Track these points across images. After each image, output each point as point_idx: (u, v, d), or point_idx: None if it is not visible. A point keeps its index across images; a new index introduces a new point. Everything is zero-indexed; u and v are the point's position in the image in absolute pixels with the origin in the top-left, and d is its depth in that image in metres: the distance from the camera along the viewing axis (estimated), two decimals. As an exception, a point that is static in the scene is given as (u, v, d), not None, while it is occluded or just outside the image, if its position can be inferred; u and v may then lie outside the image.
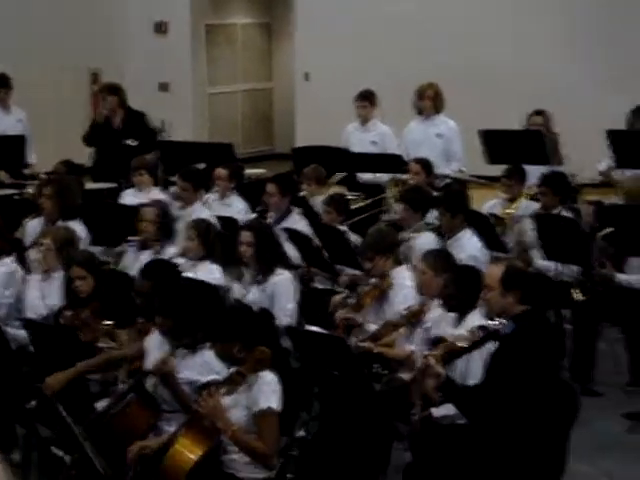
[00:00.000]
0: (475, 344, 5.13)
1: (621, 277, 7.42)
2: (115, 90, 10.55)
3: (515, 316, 5.10)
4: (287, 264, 7.20)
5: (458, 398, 5.10)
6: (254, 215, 8.58)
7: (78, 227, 7.83)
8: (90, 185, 9.90)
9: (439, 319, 5.92)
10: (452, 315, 5.78)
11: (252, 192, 8.99)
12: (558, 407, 4.97)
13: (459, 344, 5.14)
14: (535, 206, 8.26)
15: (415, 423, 5.35)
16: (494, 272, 5.24)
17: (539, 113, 9.52)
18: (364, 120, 10.23)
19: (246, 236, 7.02)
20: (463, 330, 5.46)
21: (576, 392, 5.11)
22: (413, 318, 6.09)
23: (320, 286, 7.91)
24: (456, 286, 5.73)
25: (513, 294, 5.13)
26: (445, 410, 5.41)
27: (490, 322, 5.16)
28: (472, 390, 5.12)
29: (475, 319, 5.58)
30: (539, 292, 5.33)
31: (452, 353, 5.12)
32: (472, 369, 5.33)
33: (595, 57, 13.14)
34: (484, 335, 5.12)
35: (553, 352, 5.12)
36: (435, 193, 8.37)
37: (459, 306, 5.75)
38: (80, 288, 6.53)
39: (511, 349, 5.01)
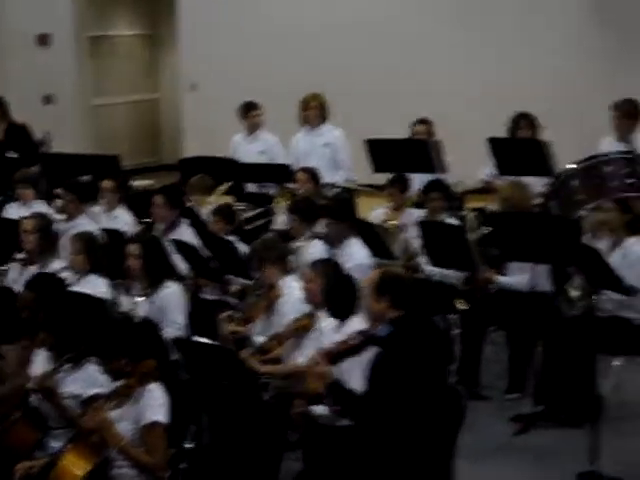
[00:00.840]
0: (355, 348, 5.20)
1: (502, 279, 7.57)
2: None
3: (391, 320, 5.16)
4: (176, 276, 7.16)
5: (344, 400, 5.14)
6: (141, 227, 8.50)
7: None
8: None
9: (328, 328, 5.96)
10: (335, 321, 5.84)
11: (139, 204, 8.91)
12: (443, 411, 5.03)
13: (341, 348, 5.20)
14: (420, 213, 8.36)
15: (295, 420, 5.39)
16: (369, 278, 5.32)
17: (422, 122, 9.65)
18: (251, 130, 10.25)
19: (133, 249, 6.96)
20: (343, 335, 5.50)
21: (462, 396, 5.17)
22: (301, 329, 6.11)
23: (210, 297, 7.89)
24: (332, 293, 5.79)
25: (386, 299, 5.20)
26: (324, 408, 5.48)
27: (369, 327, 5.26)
28: (355, 394, 5.18)
29: (355, 324, 5.65)
30: (424, 297, 5.39)
31: (334, 357, 5.17)
32: (351, 373, 5.38)
33: (476, 65, 13.36)
34: (363, 339, 5.19)
35: (433, 355, 5.17)
36: (323, 202, 8.40)
37: (338, 312, 5.79)
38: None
39: (388, 352, 5.07)
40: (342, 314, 5.83)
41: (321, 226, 7.85)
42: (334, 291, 5.87)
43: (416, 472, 4.94)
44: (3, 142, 10.23)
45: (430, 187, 8.30)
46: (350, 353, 5.20)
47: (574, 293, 7.10)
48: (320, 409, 5.50)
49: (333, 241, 7.62)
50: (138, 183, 10.93)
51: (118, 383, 5.22)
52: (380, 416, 4.94)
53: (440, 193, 8.18)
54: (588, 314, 6.60)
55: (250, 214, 9.31)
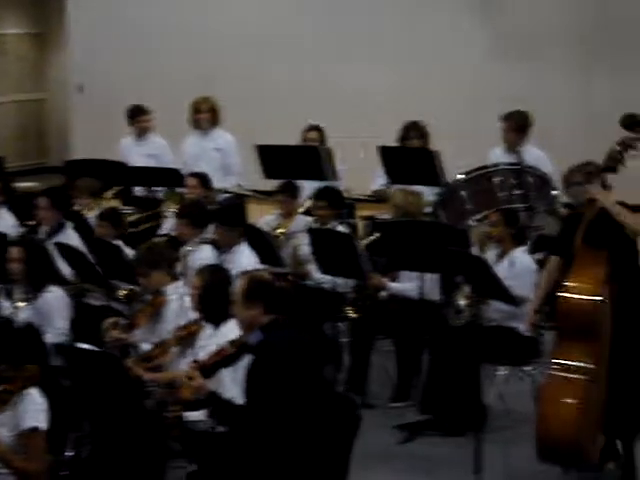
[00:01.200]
0: (229, 358, 5.17)
1: (393, 286, 7.59)
2: None
3: (263, 327, 5.13)
4: (59, 280, 7.01)
5: (223, 411, 5.10)
6: (24, 230, 8.31)
7: None
8: None
9: (206, 334, 5.91)
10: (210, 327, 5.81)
11: (23, 206, 8.71)
12: (337, 421, 5.01)
13: (214, 359, 5.15)
14: (310, 221, 8.34)
15: (169, 426, 5.34)
16: (238, 285, 5.27)
17: (314, 128, 9.64)
18: (141, 133, 10.12)
19: (15, 252, 6.83)
20: (218, 340, 5.55)
21: (356, 405, 5.16)
22: (186, 336, 6.03)
23: (95, 302, 7.76)
24: (207, 298, 5.78)
25: (256, 305, 5.17)
26: (199, 414, 5.45)
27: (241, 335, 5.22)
28: (233, 403, 5.13)
29: (229, 329, 5.66)
30: (312, 305, 5.38)
31: (209, 369, 5.13)
32: (227, 382, 5.33)
33: (369, 73, 13.43)
34: (236, 349, 5.15)
35: (308, 359, 5.14)
36: (213, 207, 8.33)
37: (212, 318, 5.78)
38: None
39: (260, 360, 5.03)
40: (216, 319, 5.80)
41: (211, 231, 7.78)
42: (209, 296, 5.82)
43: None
44: None
45: (319, 195, 8.27)
46: (224, 364, 5.18)
47: (462, 302, 7.16)
48: (196, 415, 5.46)
49: (222, 247, 7.55)
50: (22, 185, 10.71)
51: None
52: (259, 424, 4.90)
53: (328, 201, 8.16)
54: (474, 323, 6.66)
55: (136, 217, 9.17)
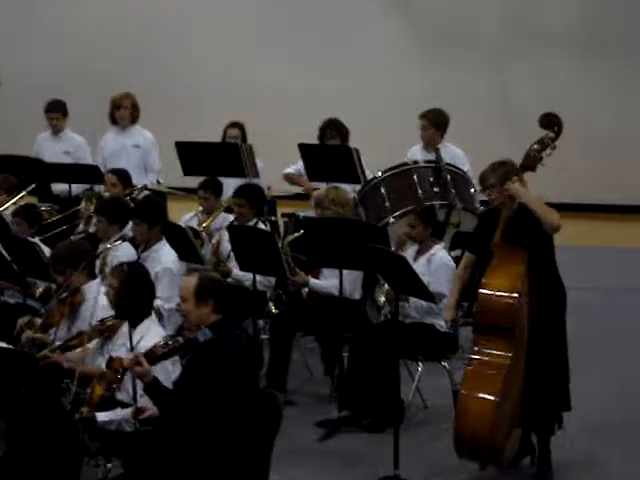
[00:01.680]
0: (174, 350, 5.14)
1: (316, 283, 7.60)
2: None
3: (211, 325, 5.12)
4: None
5: (161, 399, 5.09)
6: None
7: None
8: None
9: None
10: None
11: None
12: (259, 417, 5.02)
13: (159, 350, 5.13)
14: (232, 218, 8.31)
15: (75, 423, 5.33)
16: (188, 283, 5.27)
17: (235, 125, 9.61)
18: (56, 130, 9.99)
19: None
20: (136, 337, 5.56)
21: (279, 402, 5.17)
22: (104, 330, 5.96)
23: (11, 300, 7.66)
24: (124, 297, 5.74)
25: (207, 304, 5.16)
26: (112, 415, 5.45)
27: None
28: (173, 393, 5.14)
29: (145, 327, 5.67)
30: (234, 302, 5.38)
31: (154, 358, 5.11)
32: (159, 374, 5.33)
33: (295, 71, 13.44)
34: (183, 342, 5.13)
35: (248, 360, 5.17)
36: (132, 204, 8.25)
37: (130, 315, 5.74)
38: None
39: (204, 356, 5.03)
40: (133, 317, 5.76)
41: (130, 228, 7.70)
42: (127, 294, 5.78)
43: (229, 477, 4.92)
44: None
45: (238, 192, 8.24)
46: (169, 355, 5.16)
47: (381, 299, 7.20)
48: (104, 415, 5.46)
49: (141, 244, 7.48)
50: None
51: None
52: (188, 418, 4.89)
53: (247, 199, 8.12)
54: (392, 320, 6.69)
55: (55, 216, 9.05)
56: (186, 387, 5.06)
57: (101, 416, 5.45)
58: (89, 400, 5.48)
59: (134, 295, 5.75)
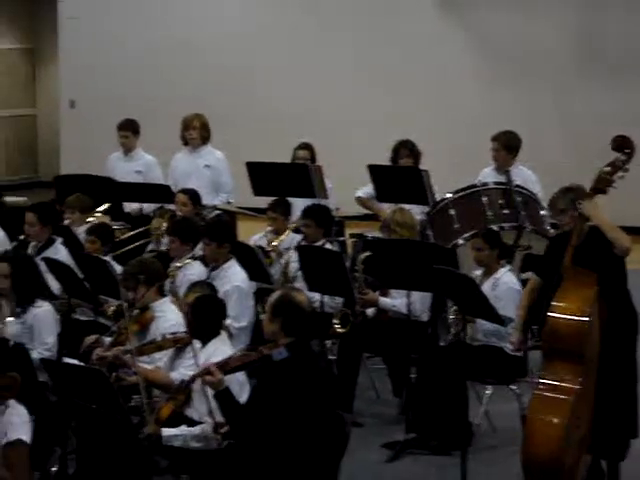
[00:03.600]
0: (248, 364, 5.17)
1: (385, 301, 7.59)
2: None
3: (287, 345, 5.14)
4: (47, 295, 7.00)
5: (231, 410, 5.10)
6: (13, 245, 8.30)
7: None
8: None
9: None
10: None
11: (12, 220, 8.70)
12: (328, 438, 5.02)
13: (233, 362, 5.16)
14: (300, 238, 8.35)
15: (142, 440, 5.36)
16: (271, 297, 5.31)
17: (304, 146, 9.66)
18: (127, 149, 10.12)
19: (2, 268, 6.82)
20: (204, 357, 5.56)
21: (346, 423, 5.17)
22: (180, 342, 6.01)
23: (82, 317, 7.75)
24: (196, 314, 5.77)
25: (277, 322, 5.18)
26: (177, 431, 5.48)
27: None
28: (243, 407, 5.17)
29: (216, 346, 5.69)
30: (303, 323, 5.38)
31: (228, 369, 5.15)
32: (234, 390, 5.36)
33: (362, 92, 13.47)
34: (257, 358, 5.15)
35: (321, 382, 5.17)
36: (203, 224, 8.33)
37: (201, 333, 5.76)
38: None
39: (278, 375, 5.05)
40: (204, 336, 5.80)
41: (200, 248, 7.77)
42: (199, 313, 5.81)
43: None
44: None
45: (306, 213, 8.27)
46: (242, 368, 5.18)
47: (450, 321, 7.17)
48: (174, 431, 5.47)
49: (210, 263, 7.54)
50: (11, 199, 10.70)
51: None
52: (263, 435, 4.92)
53: (315, 219, 8.15)
54: (460, 342, 6.66)
55: (128, 234, 9.16)
56: (258, 405, 5.07)
57: (166, 432, 5.48)
58: (157, 417, 5.53)
59: (206, 314, 5.77)
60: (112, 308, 7.38)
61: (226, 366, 5.17)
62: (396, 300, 7.58)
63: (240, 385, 5.53)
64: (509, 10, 12.99)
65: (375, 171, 8.89)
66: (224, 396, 5.13)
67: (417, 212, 8.45)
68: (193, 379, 5.46)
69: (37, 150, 16.71)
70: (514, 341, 6.63)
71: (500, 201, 8.11)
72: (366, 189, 9.20)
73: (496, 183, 8.38)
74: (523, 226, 8.08)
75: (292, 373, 5.03)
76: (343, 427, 5.15)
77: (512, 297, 6.99)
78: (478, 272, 7.28)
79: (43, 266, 7.57)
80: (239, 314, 7.07)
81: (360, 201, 9.35)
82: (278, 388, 5.02)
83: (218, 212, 9.43)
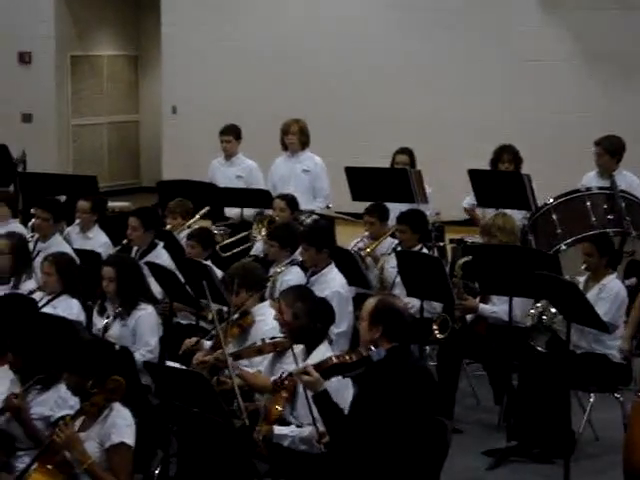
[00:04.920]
0: (347, 366, 5.14)
1: (485, 308, 7.52)
2: None
3: (389, 350, 5.12)
4: (150, 299, 7.10)
5: (329, 412, 5.10)
6: (117, 249, 8.43)
7: None
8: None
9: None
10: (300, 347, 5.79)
11: (116, 225, 8.85)
12: (429, 443, 4.99)
13: (330, 363, 5.15)
14: (397, 243, 8.32)
15: (257, 440, 5.36)
16: (368, 305, 5.29)
17: (404, 151, 9.63)
18: (228, 154, 10.21)
19: (108, 271, 6.94)
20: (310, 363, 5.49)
21: (447, 429, 5.13)
22: (280, 346, 6.02)
23: (184, 321, 7.83)
24: (308, 318, 5.74)
25: (377, 329, 5.17)
26: (287, 431, 5.48)
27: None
28: (341, 409, 5.14)
29: (322, 352, 5.62)
30: (404, 328, 5.36)
31: (326, 370, 5.13)
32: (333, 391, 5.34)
33: (459, 97, 13.38)
34: (356, 359, 5.13)
35: (421, 388, 5.13)
36: (302, 229, 8.35)
37: (307, 338, 5.74)
38: None
39: (378, 377, 5.03)
40: (309, 340, 5.76)
41: (299, 253, 7.80)
42: (299, 319, 5.78)
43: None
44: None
45: (401, 218, 8.23)
46: (342, 370, 5.16)
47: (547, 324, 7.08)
48: (285, 430, 5.48)
49: (309, 268, 7.56)
50: (115, 204, 10.87)
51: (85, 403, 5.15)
52: (364, 440, 4.90)
53: (410, 225, 8.09)
54: (563, 349, 6.56)
55: (228, 240, 9.24)
56: (359, 410, 5.05)
57: (277, 430, 5.49)
58: (266, 416, 5.51)
59: (307, 320, 5.77)
60: (212, 313, 7.43)
61: (323, 367, 5.15)
62: (497, 307, 7.50)
63: (340, 389, 5.49)
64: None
65: (475, 176, 8.82)
66: (322, 399, 5.12)
67: (518, 217, 8.36)
68: (289, 376, 5.44)
69: (139, 156, 16.95)
70: (624, 349, 6.51)
71: (604, 206, 7.99)
72: (469, 199, 9.12)
73: (600, 188, 8.26)
74: (628, 232, 7.95)
75: (392, 376, 5.00)
76: (444, 433, 5.11)
77: (618, 304, 6.86)
78: (581, 278, 7.16)
79: (145, 270, 7.66)
80: (338, 319, 7.06)
81: (467, 212, 9.28)
82: (379, 392, 5.00)
83: (316, 217, 9.46)
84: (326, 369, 5.14)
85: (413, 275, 7.54)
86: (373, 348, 5.08)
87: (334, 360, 5.15)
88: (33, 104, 15.21)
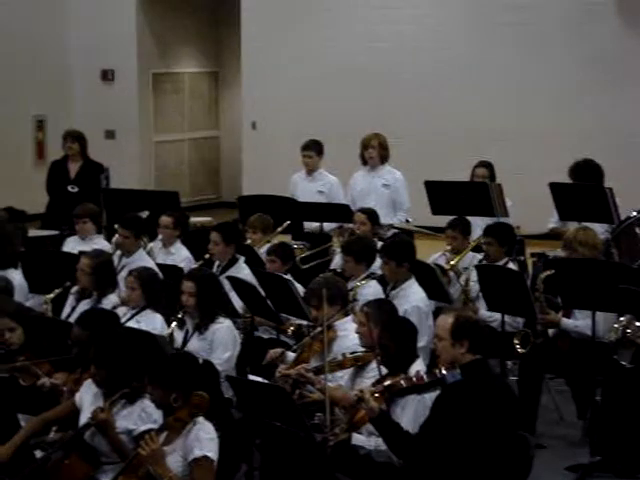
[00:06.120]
0: (419, 387, 5.12)
1: (567, 322, 7.44)
2: (78, 137, 10.64)
3: (463, 366, 5.09)
4: (230, 313, 7.14)
5: (392, 436, 5.07)
6: (198, 263, 8.51)
7: (16, 276, 7.73)
8: (34, 232, 9.82)
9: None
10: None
11: (198, 240, 8.93)
12: (511, 459, 4.95)
13: (402, 383, 5.12)
14: (480, 257, 8.28)
15: (329, 446, 5.34)
16: (444, 322, 5.25)
17: (484, 164, 9.60)
18: (310, 170, 10.25)
19: (188, 286, 6.99)
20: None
21: (530, 445, 5.09)
22: (361, 360, 6.02)
23: (265, 335, 7.86)
24: (393, 341, 5.68)
25: (462, 344, 5.14)
26: (365, 440, 5.45)
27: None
28: (404, 430, 5.08)
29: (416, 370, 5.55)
30: (487, 340, 5.33)
31: (393, 391, 5.11)
32: (406, 411, 5.31)
33: (540, 111, 13.29)
34: (430, 380, 5.11)
35: (503, 403, 5.10)
36: (381, 243, 8.35)
37: (395, 360, 5.65)
38: (10, 340, 6.41)
39: (457, 399, 4.99)
40: (398, 362, 5.63)
41: (378, 266, 7.79)
42: (384, 333, 5.74)
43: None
44: (75, 178, 10.48)
45: (488, 231, 8.19)
46: (412, 391, 5.13)
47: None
48: (362, 439, 5.47)
49: (389, 282, 7.55)
50: (196, 220, 10.97)
51: (170, 417, 5.20)
52: (439, 459, 4.88)
53: (497, 238, 8.06)
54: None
55: (307, 253, 9.28)
56: (436, 428, 5.03)
57: (356, 438, 5.47)
58: (349, 422, 5.48)
59: (393, 335, 5.72)
60: (292, 328, 7.46)
61: (393, 389, 5.12)
62: (579, 321, 7.42)
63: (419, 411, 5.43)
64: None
65: (557, 189, 8.74)
66: (380, 422, 5.08)
67: (600, 231, 8.27)
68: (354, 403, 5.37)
69: (220, 171, 17.09)
70: None
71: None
72: (553, 219, 9.02)
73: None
74: None
75: (474, 392, 4.97)
76: (527, 449, 5.08)
77: None
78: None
79: (227, 284, 7.73)
80: (418, 334, 7.04)
81: (553, 232, 9.16)
82: (459, 410, 4.97)
83: (396, 231, 9.45)
84: (395, 392, 5.12)
85: (494, 289, 7.49)
86: (445, 371, 5.04)
87: (403, 384, 5.13)
88: (116, 121, 15.44)
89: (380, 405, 5.17)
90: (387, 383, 5.22)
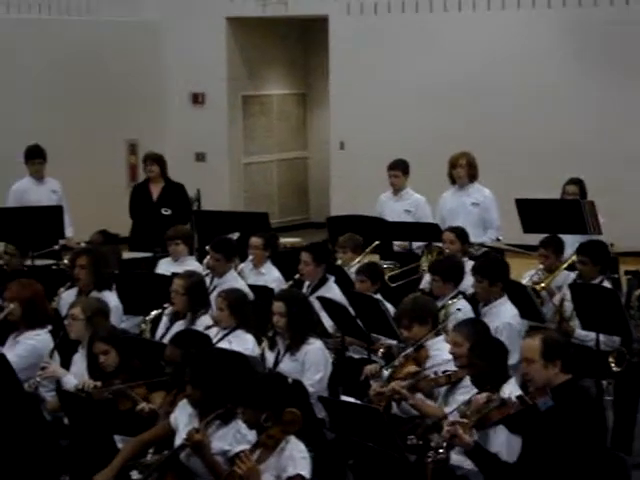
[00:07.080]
0: (510, 416, 5.05)
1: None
2: (158, 160, 10.75)
3: (555, 388, 5.01)
4: (320, 333, 7.15)
5: (488, 467, 5.02)
6: (288, 284, 8.54)
7: (112, 297, 7.84)
8: (127, 254, 9.97)
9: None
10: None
11: (288, 261, 8.98)
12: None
13: (493, 414, 5.05)
14: (573, 276, 8.17)
15: (427, 464, 5.29)
16: (532, 345, 5.18)
17: (574, 182, 9.50)
18: (397, 189, 10.25)
19: (278, 306, 7.01)
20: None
21: (627, 465, 5.01)
22: (453, 378, 5.98)
23: (356, 355, 7.86)
24: (484, 360, 5.62)
25: (555, 364, 5.07)
26: (464, 461, 5.39)
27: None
28: (505, 463, 5.04)
29: (510, 390, 5.48)
30: (579, 361, 5.26)
31: (484, 422, 5.05)
32: (496, 438, 5.25)
33: (633, 126, 13.11)
34: (522, 408, 5.03)
35: (597, 424, 5.02)
36: (471, 262, 8.29)
37: (485, 379, 5.59)
38: (105, 363, 6.50)
39: (553, 427, 4.92)
40: (489, 382, 5.58)
41: (472, 285, 7.72)
42: (475, 353, 5.68)
43: None
44: (158, 200, 10.61)
45: (582, 249, 8.08)
46: (505, 421, 5.06)
47: None
48: (459, 460, 5.42)
49: (481, 300, 7.50)
50: (286, 240, 11.03)
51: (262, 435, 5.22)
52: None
53: (591, 256, 7.93)
54: None
55: (396, 271, 9.26)
56: (533, 458, 4.95)
57: (454, 458, 5.43)
58: (448, 441, 5.44)
59: (484, 355, 5.68)
60: (382, 350, 7.42)
61: (486, 420, 5.05)
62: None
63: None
64: None
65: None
66: (475, 454, 5.02)
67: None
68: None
69: (308, 192, 17.16)
70: None
71: None
72: None
73: None
74: None
75: (565, 423, 4.88)
76: (624, 470, 4.99)
77: None
78: None
79: (317, 304, 7.75)
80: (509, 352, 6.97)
81: None
82: (552, 440, 4.89)
83: (487, 249, 9.39)
84: (488, 423, 5.05)
85: (589, 308, 7.39)
86: (544, 397, 4.97)
87: (497, 415, 5.05)
88: (206, 143, 15.62)
89: (472, 437, 5.10)
90: (477, 414, 5.13)
